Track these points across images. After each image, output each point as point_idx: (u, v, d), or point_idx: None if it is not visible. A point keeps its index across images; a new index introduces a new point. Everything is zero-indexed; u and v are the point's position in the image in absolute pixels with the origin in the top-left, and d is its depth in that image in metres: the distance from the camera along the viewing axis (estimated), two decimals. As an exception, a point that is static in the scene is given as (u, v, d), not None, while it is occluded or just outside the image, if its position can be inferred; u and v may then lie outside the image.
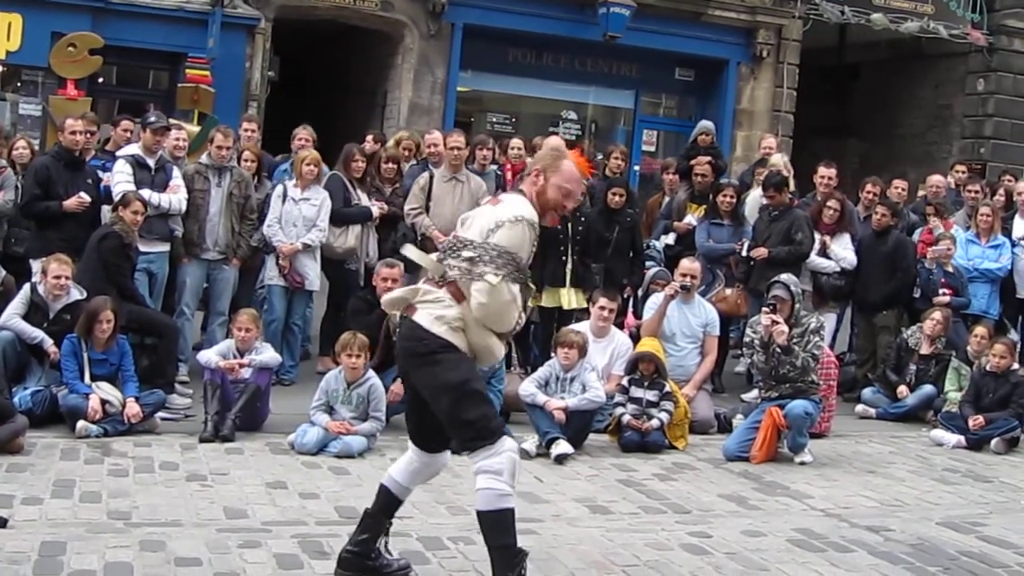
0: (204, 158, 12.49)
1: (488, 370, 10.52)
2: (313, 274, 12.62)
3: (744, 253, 13.58)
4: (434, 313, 6.03)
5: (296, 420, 10.16)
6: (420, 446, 6.45)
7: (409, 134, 15.43)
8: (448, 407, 5.96)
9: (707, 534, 8.02)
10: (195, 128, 15.36)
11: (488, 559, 6.02)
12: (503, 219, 6.05)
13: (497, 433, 5.98)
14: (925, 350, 13.15)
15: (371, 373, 10.23)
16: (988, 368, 12.22)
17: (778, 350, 10.64)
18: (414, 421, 6.46)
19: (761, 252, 13.34)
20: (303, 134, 13.78)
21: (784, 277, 11.06)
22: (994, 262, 13.99)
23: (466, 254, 5.98)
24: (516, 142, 15.01)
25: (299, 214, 12.46)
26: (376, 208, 13.04)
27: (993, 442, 11.72)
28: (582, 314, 12.28)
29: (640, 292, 13.46)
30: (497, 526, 5.96)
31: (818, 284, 13.85)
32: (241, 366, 10.44)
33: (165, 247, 11.98)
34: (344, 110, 23.87)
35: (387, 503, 6.53)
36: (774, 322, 10.64)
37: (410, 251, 6.81)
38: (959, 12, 25.57)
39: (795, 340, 10.67)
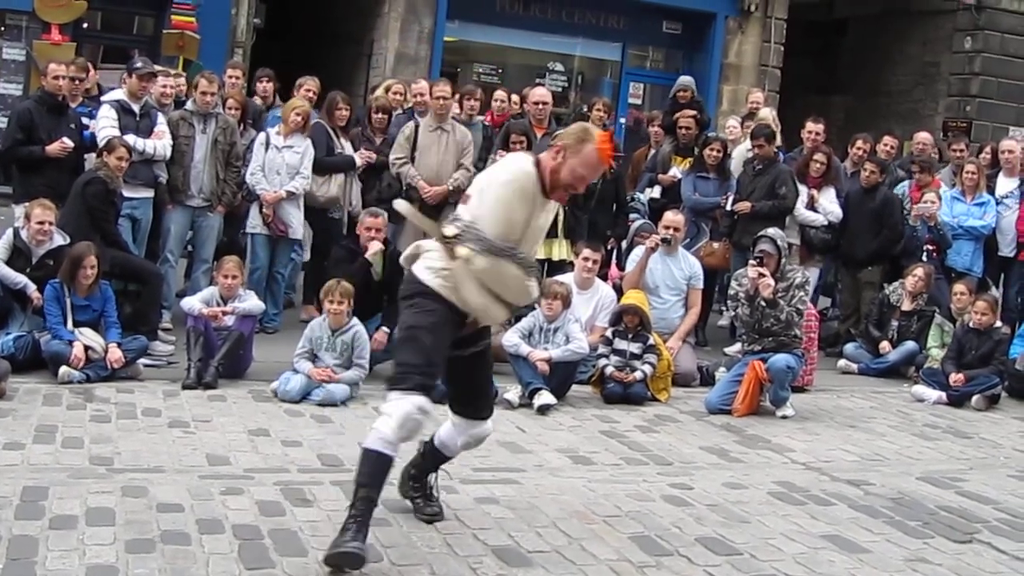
0: (189, 104, 12.43)
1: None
2: (296, 222, 12.58)
3: (728, 207, 13.60)
4: (427, 263, 6.11)
5: (279, 368, 10.15)
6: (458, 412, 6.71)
7: (398, 82, 15.42)
8: (395, 342, 6.11)
9: (688, 486, 8.03)
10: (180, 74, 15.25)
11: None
12: (493, 180, 6.14)
13: (411, 383, 5.98)
14: (907, 306, 13.17)
15: (355, 320, 10.22)
16: (971, 325, 12.26)
17: (763, 304, 10.65)
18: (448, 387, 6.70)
19: (745, 206, 13.37)
20: (310, 84, 13.70)
21: (771, 231, 11.06)
22: (979, 220, 13.99)
23: (450, 230, 6.03)
24: (499, 94, 14.96)
25: (282, 162, 12.39)
26: (359, 157, 13.01)
27: (974, 399, 11.77)
28: (571, 266, 12.26)
29: (624, 244, 13.46)
30: (366, 466, 6.01)
31: (807, 237, 13.90)
32: (224, 313, 10.41)
33: (149, 193, 11.93)
34: (330, 59, 23.76)
35: (435, 459, 6.89)
36: (761, 275, 10.64)
37: (402, 206, 6.85)
38: (949, -31, 25.55)
39: (780, 294, 10.68)
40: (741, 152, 14.34)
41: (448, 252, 6.02)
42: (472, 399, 6.62)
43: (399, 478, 6.88)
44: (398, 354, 6.19)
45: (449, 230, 5.99)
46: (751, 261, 10.87)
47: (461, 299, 6.08)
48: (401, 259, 6.56)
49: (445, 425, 6.77)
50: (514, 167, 6.16)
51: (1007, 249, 14.28)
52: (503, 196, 6.04)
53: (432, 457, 6.83)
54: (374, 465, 5.98)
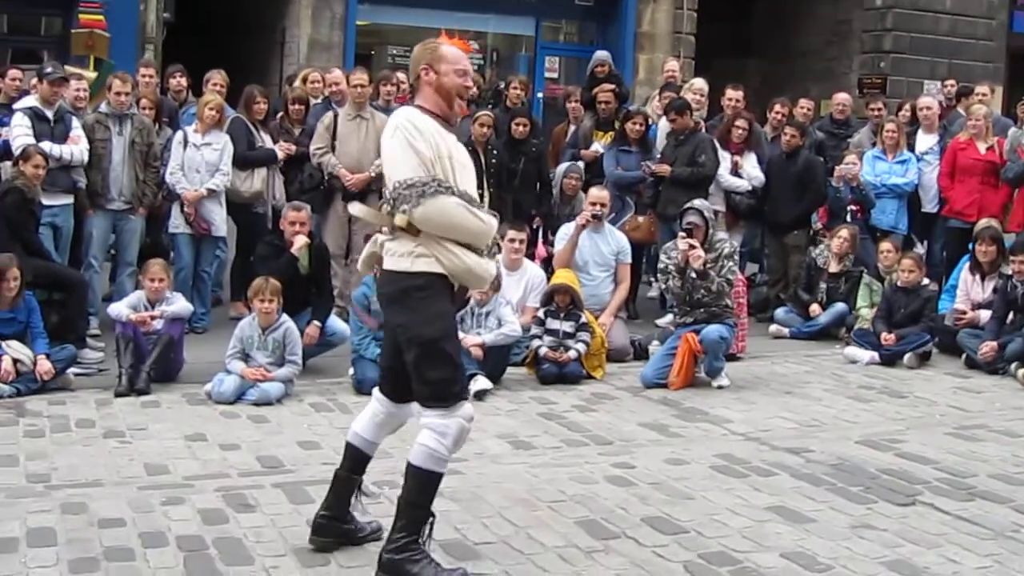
0: (103, 106, 12.27)
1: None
2: (219, 219, 12.47)
3: (647, 169, 13.60)
4: (397, 252, 5.79)
5: (212, 368, 10.04)
6: (388, 395, 6.21)
7: (315, 71, 15.33)
8: (414, 361, 5.77)
9: (630, 464, 8.05)
10: (92, 74, 15.02)
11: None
12: (385, 146, 5.88)
13: (454, 398, 5.80)
14: (834, 268, 13.25)
15: (285, 317, 10.14)
16: (898, 283, 12.36)
17: (694, 275, 10.68)
18: (387, 368, 6.22)
19: (664, 168, 13.39)
20: (217, 79, 13.56)
21: (697, 203, 11.11)
22: (901, 177, 14.11)
23: (400, 219, 5.71)
24: (401, 76, 14.96)
25: (201, 159, 12.28)
26: (279, 149, 12.92)
27: (906, 357, 11.87)
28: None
29: (556, 193, 13.64)
30: (420, 485, 5.83)
31: (732, 204, 13.98)
32: (153, 318, 10.25)
33: (69, 199, 11.72)
34: (243, 50, 23.52)
35: (355, 461, 6.34)
36: (691, 247, 10.66)
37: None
38: (856, -73, 25.65)
39: (710, 265, 10.70)
40: (665, 125, 14.31)
41: (409, 233, 5.73)
42: (405, 379, 6.02)
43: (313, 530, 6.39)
44: (428, 372, 5.75)
45: (399, 219, 5.70)
46: (680, 233, 10.89)
47: (449, 272, 5.80)
48: (361, 264, 6.31)
49: (362, 421, 6.35)
50: (393, 120, 5.90)
51: (930, 205, 14.44)
52: (398, 146, 5.77)
53: (355, 465, 6.35)
54: (428, 483, 5.85)
